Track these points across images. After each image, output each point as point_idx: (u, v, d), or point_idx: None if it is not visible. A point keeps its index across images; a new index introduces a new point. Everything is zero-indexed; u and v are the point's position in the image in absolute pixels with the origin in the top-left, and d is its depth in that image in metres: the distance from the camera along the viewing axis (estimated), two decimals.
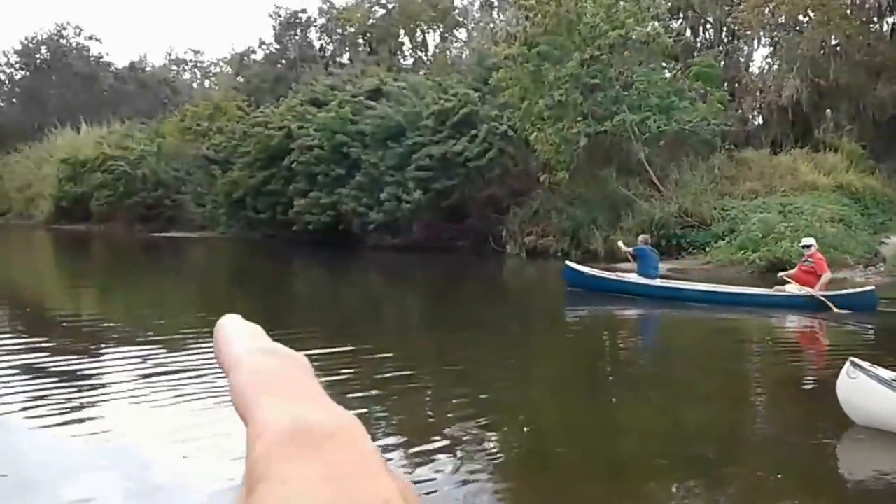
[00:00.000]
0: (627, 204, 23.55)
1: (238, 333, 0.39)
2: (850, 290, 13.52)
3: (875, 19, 27.58)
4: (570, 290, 15.54)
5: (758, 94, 26.72)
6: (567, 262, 16.63)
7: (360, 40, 41.69)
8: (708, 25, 30.53)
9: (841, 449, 6.29)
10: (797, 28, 27.49)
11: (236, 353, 0.38)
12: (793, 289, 13.24)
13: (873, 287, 13.51)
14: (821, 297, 12.67)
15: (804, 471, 5.74)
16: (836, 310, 12.42)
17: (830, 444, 6.35)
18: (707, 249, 21.22)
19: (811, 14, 26.48)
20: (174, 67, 68.70)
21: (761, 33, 28.19)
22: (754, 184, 23.46)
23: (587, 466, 5.79)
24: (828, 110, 27.18)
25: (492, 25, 36.00)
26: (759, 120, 28.11)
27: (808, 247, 13.67)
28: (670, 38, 25.48)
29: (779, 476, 5.48)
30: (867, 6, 26.99)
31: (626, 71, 24.31)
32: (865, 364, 6.37)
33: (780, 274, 14.16)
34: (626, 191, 23.74)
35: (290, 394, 0.35)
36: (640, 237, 15.59)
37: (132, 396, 7.29)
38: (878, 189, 23.71)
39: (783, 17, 27.20)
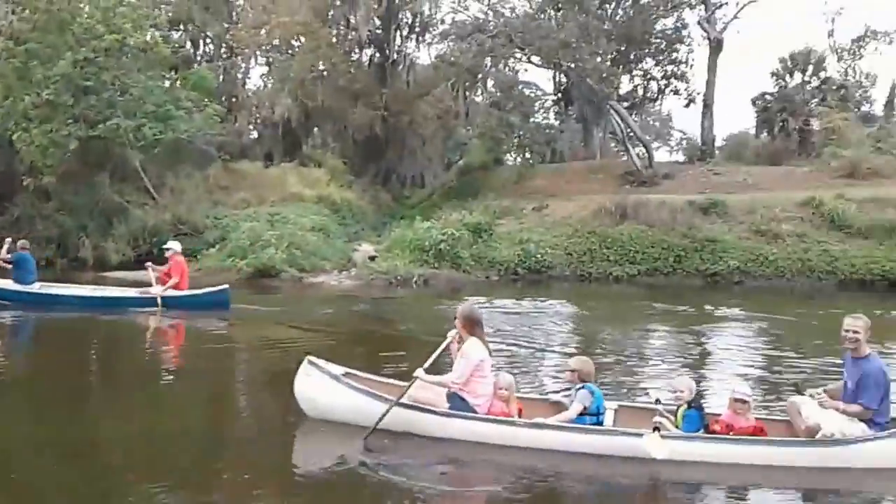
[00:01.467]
0: (120, 211, 22.86)
1: None
2: (207, 290, 14.47)
3: (356, 50, 31.17)
4: None
5: (253, 109, 28.21)
6: None
7: None
8: (208, 40, 31.24)
9: (305, 442, 6.57)
10: (290, 52, 29.70)
11: None
12: (157, 289, 14.05)
13: (227, 286, 14.76)
14: (160, 296, 13.80)
15: (274, 466, 5.86)
16: (159, 309, 13.58)
17: (295, 438, 6.60)
18: (198, 257, 21.53)
19: (302, 39, 28.84)
20: None
21: (257, 53, 29.82)
22: (247, 194, 24.72)
23: (60, 488, 5.32)
24: (315, 129, 29.90)
25: None
26: (255, 134, 29.70)
27: (169, 250, 14.84)
28: (169, 48, 25.38)
29: (247, 476, 5.57)
30: (350, 38, 30.35)
31: (122, 76, 23.50)
32: (320, 361, 6.75)
33: (148, 264, 14.89)
34: (118, 198, 22.96)
35: None
36: (19, 243, 14.81)
37: None
38: (354, 202, 26.88)
39: (277, 40, 29.12)
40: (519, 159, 33.89)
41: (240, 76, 30.91)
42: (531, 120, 33.02)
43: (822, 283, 20.93)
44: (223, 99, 27.06)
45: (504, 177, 30.04)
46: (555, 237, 22.93)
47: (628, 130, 30.51)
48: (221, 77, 29.11)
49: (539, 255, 22.16)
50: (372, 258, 22.13)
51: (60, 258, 22.44)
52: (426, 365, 6.35)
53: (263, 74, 31.14)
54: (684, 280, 21.41)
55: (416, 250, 21.80)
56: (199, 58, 29.80)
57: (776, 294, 20.06)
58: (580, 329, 14.16)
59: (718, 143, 36.44)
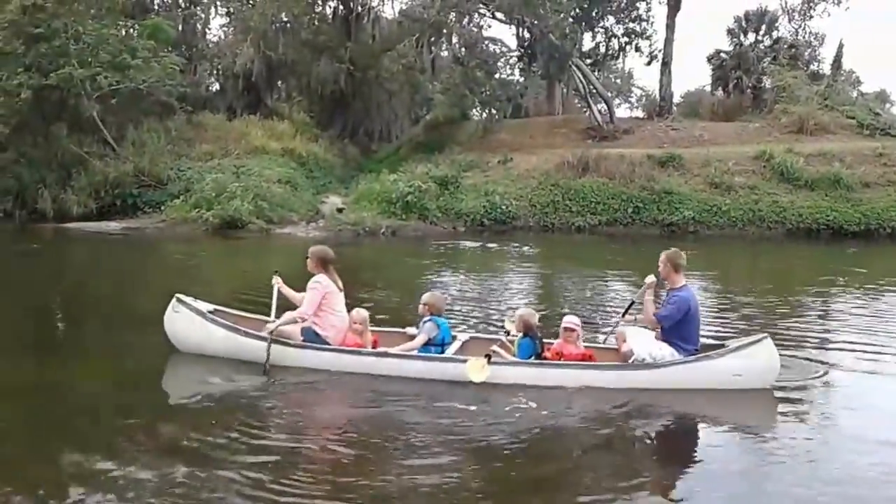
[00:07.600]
0: (80, 163, 22.51)
1: None
2: None
3: (319, 2, 30.66)
4: None
5: (214, 60, 27.70)
6: None
7: None
8: None
9: (177, 375, 6.91)
10: (250, 2, 29.12)
11: None
12: None
13: None
14: None
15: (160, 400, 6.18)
16: None
17: (167, 373, 6.91)
18: (162, 208, 21.42)
19: None
20: None
21: (217, 2, 29.20)
22: (210, 146, 24.49)
23: None
24: (279, 82, 29.49)
25: None
26: (217, 86, 29.22)
27: None
28: None
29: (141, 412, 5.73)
30: None
31: (74, 23, 22.86)
32: (189, 299, 7.10)
33: None
34: (77, 149, 22.55)
35: None
36: None
37: None
38: (321, 155, 26.79)
39: None
40: (484, 114, 33.98)
41: (200, 26, 30.25)
42: (496, 76, 32.93)
43: (771, 231, 22.03)
44: (183, 49, 26.46)
45: (470, 131, 30.23)
46: (519, 189, 23.47)
47: (590, 87, 30.81)
48: (181, 27, 28.45)
49: (504, 207, 22.61)
50: (340, 210, 22.32)
51: (19, 210, 22.10)
52: (273, 315, 6.99)
53: (223, 25, 30.60)
54: (642, 230, 22.14)
55: (384, 202, 22.12)
56: (156, 6, 28.97)
57: (728, 241, 21.02)
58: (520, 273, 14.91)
59: (676, 99, 37.15)
